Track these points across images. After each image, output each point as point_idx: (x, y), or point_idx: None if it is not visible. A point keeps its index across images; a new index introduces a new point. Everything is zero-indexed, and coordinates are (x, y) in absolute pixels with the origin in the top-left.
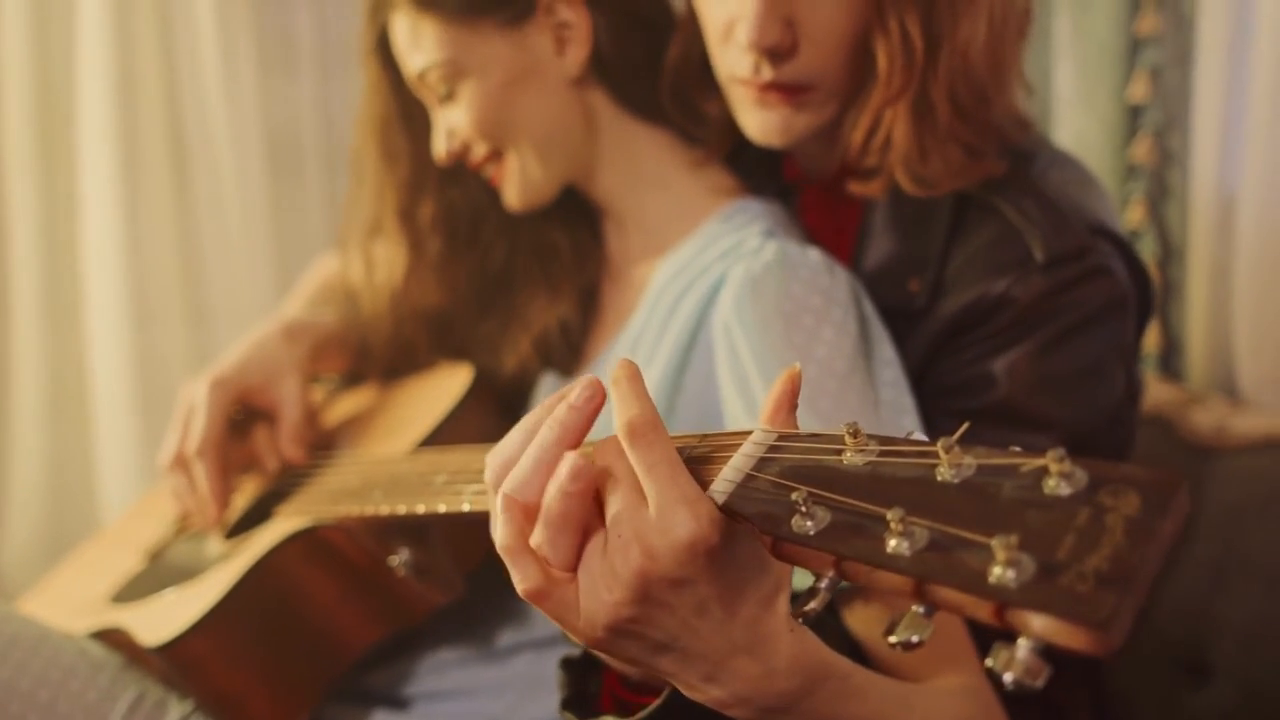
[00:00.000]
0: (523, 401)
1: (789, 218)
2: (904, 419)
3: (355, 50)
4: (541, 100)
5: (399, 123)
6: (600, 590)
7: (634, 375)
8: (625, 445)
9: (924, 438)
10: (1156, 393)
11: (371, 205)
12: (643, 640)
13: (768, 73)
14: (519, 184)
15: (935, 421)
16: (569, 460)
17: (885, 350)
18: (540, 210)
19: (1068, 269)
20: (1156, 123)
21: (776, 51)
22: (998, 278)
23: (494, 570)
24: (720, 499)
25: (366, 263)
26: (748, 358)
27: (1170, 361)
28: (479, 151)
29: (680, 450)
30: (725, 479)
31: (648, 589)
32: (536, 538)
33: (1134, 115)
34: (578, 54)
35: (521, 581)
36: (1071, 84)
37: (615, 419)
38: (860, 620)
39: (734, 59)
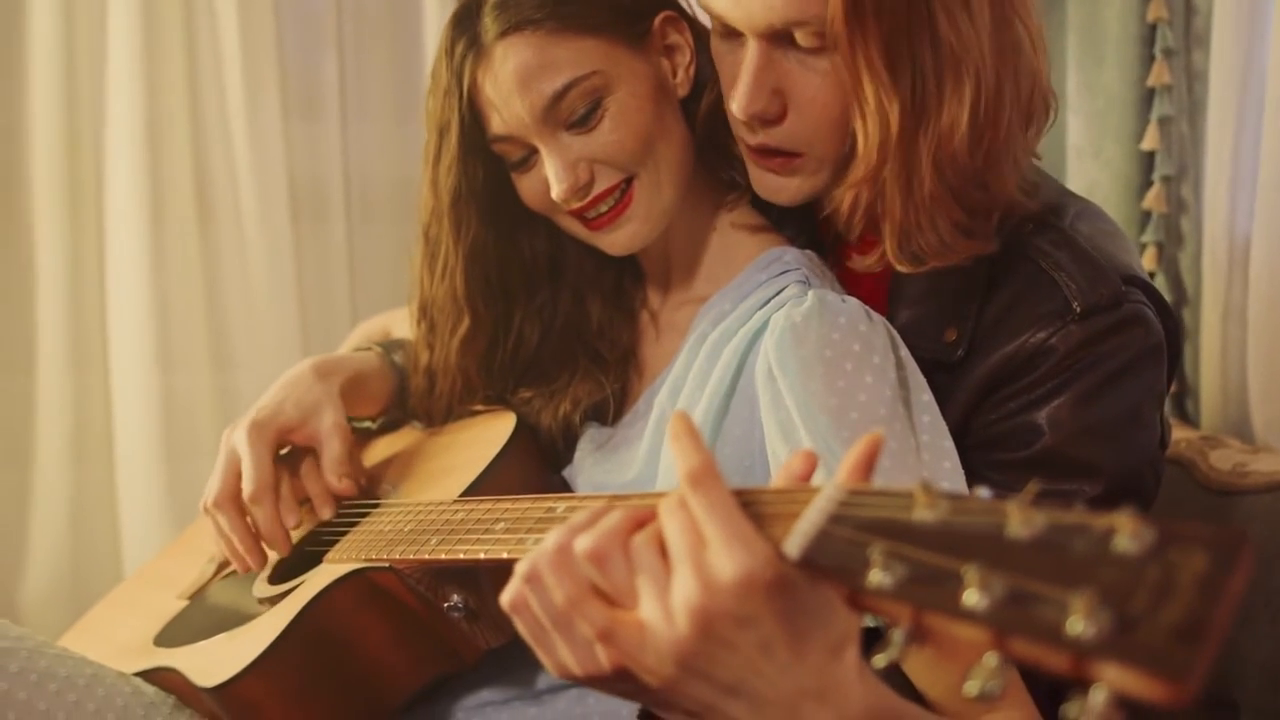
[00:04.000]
0: (566, 449)
1: (823, 266)
2: (944, 462)
3: (379, 97)
4: (672, 121)
5: (470, 193)
6: (664, 627)
7: (690, 429)
8: (686, 491)
9: (986, 493)
10: (1174, 435)
11: (442, 277)
12: (711, 681)
13: (758, 136)
14: (645, 213)
15: (980, 473)
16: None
17: (923, 395)
18: (585, 288)
19: (1104, 318)
20: (1168, 171)
21: (764, 118)
22: (1036, 329)
23: None
24: (796, 551)
25: (442, 313)
26: (791, 404)
27: (1184, 404)
28: (606, 181)
29: (750, 502)
30: (801, 531)
31: (710, 625)
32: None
33: (1146, 164)
34: (688, 72)
35: (590, 624)
36: (1084, 134)
37: (677, 469)
38: (916, 667)
39: (734, 119)
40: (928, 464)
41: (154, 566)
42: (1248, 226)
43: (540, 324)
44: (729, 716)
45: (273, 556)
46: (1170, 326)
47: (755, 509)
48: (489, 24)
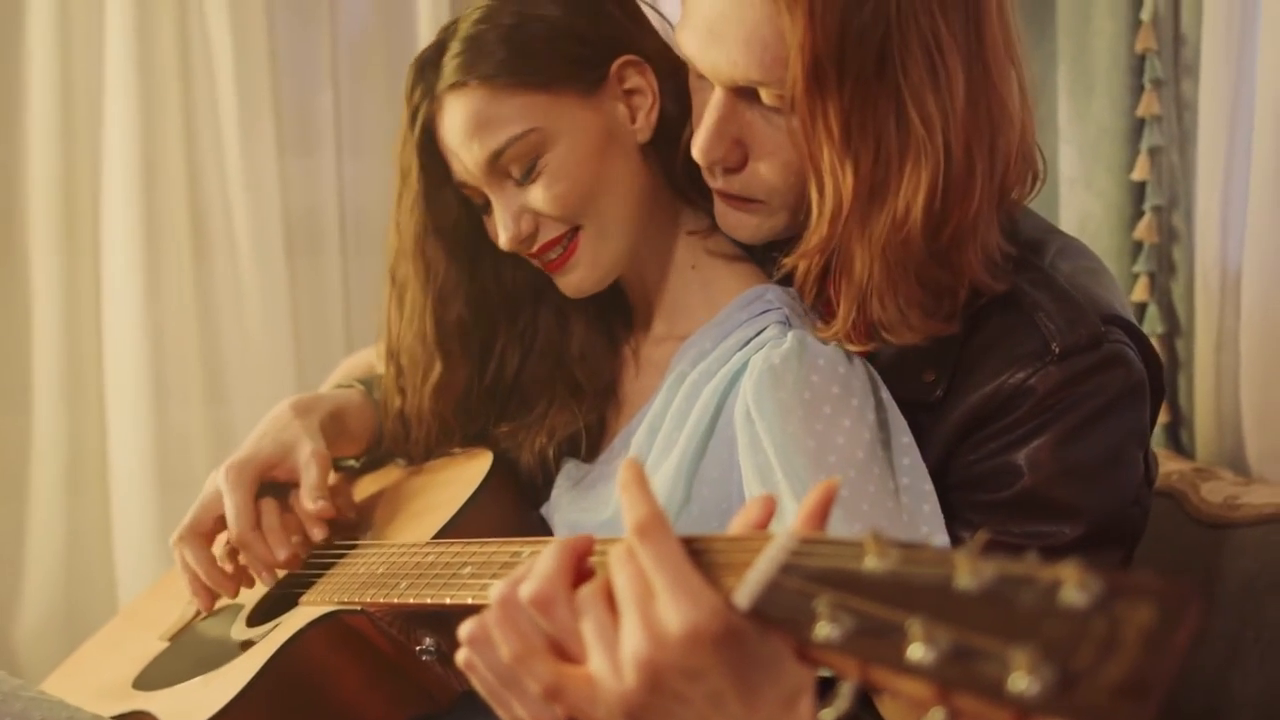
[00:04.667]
0: (538, 487)
1: (805, 305)
2: (923, 505)
3: (374, 131)
4: (623, 169)
5: (436, 232)
6: (613, 681)
7: (639, 478)
8: (634, 542)
9: (944, 538)
10: (1167, 466)
11: (411, 317)
12: None
13: (717, 181)
14: (593, 260)
15: (960, 514)
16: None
17: (903, 438)
18: (569, 309)
19: (1084, 359)
20: (1159, 201)
21: (724, 165)
22: (1015, 369)
23: None
24: (746, 602)
25: (411, 359)
26: (769, 447)
27: (1178, 436)
28: (551, 231)
29: (702, 550)
30: (751, 581)
31: (658, 678)
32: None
33: (1138, 194)
34: (649, 118)
35: (536, 680)
36: (1076, 165)
37: (625, 519)
38: (890, 709)
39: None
40: (906, 507)
41: (139, 606)
42: (1239, 255)
43: (521, 347)
44: None
45: (252, 597)
46: (1153, 365)
47: (708, 557)
48: (445, 73)
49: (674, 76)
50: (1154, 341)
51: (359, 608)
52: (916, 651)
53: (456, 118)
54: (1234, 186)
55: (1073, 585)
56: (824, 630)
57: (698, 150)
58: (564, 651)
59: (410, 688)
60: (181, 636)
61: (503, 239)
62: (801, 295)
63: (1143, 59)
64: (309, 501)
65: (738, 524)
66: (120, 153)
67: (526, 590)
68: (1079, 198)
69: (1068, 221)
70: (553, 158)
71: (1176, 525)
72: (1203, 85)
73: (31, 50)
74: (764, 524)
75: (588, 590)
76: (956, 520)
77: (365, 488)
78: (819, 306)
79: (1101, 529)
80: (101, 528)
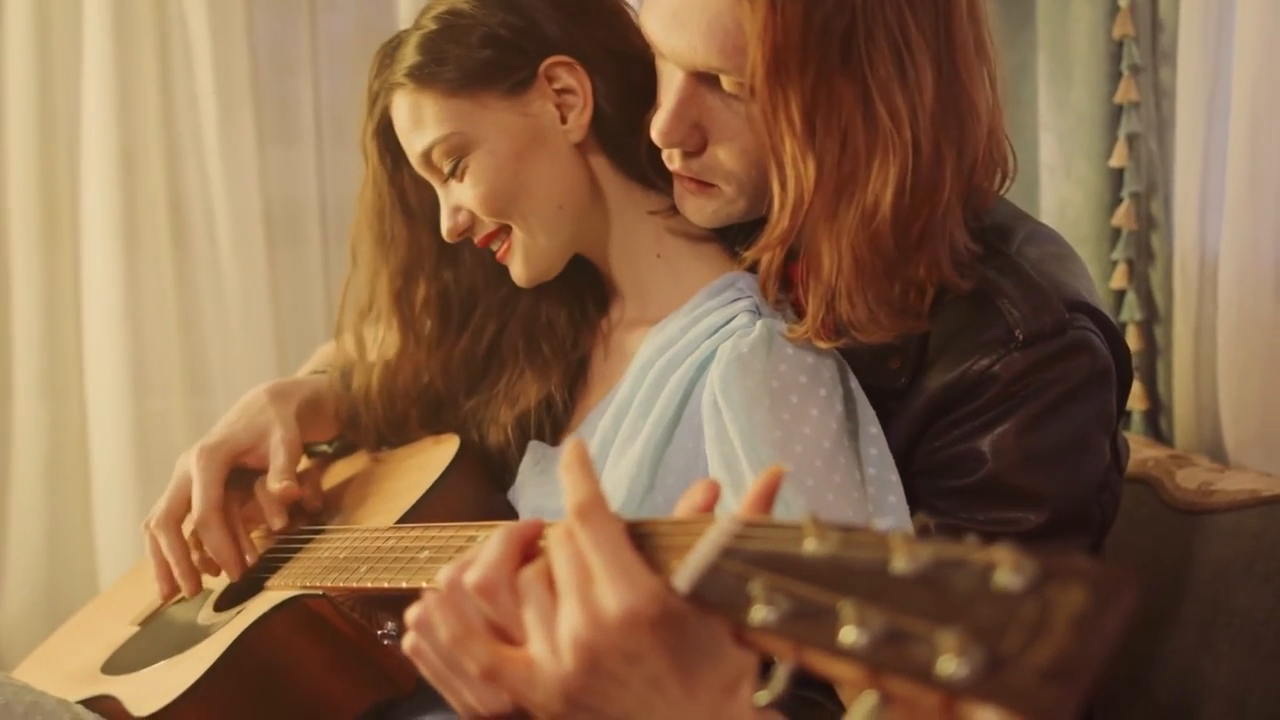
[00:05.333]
0: (510, 471)
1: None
2: (889, 496)
3: (354, 121)
4: (548, 169)
5: (395, 209)
6: (551, 663)
7: (583, 459)
8: (574, 523)
9: (894, 523)
10: (1143, 452)
11: (366, 290)
12: (600, 716)
13: (675, 164)
14: (526, 257)
15: (924, 500)
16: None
17: (870, 428)
18: (541, 285)
19: (1048, 346)
20: (1137, 188)
21: (683, 148)
22: (979, 356)
23: None
24: (685, 585)
25: (360, 344)
26: (735, 436)
27: (1156, 423)
28: (485, 229)
29: (647, 533)
30: (691, 565)
31: (596, 661)
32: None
33: (1117, 181)
34: (580, 120)
35: (474, 662)
36: (1055, 152)
37: (566, 500)
38: (851, 697)
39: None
40: (873, 497)
41: (114, 592)
42: (1217, 242)
43: (500, 318)
44: None
45: (220, 583)
46: (1120, 352)
47: (652, 540)
48: (395, 68)
49: (615, 73)
50: (1132, 329)
51: (320, 592)
52: (849, 635)
53: (399, 113)
54: (1212, 173)
55: (1007, 568)
56: (760, 613)
57: (657, 132)
58: (508, 636)
59: (373, 671)
60: (151, 621)
61: (443, 230)
62: (764, 292)
63: (1120, 45)
64: (273, 482)
65: (682, 508)
66: (99, 143)
67: (471, 576)
68: (1059, 186)
69: (1047, 209)
70: (474, 160)
71: (1151, 512)
72: (1180, 72)
73: (9, 40)
74: (708, 507)
75: (529, 573)
76: (921, 506)
77: (338, 473)
78: (787, 302)
79: (1066, 516)
80: (82, 516)
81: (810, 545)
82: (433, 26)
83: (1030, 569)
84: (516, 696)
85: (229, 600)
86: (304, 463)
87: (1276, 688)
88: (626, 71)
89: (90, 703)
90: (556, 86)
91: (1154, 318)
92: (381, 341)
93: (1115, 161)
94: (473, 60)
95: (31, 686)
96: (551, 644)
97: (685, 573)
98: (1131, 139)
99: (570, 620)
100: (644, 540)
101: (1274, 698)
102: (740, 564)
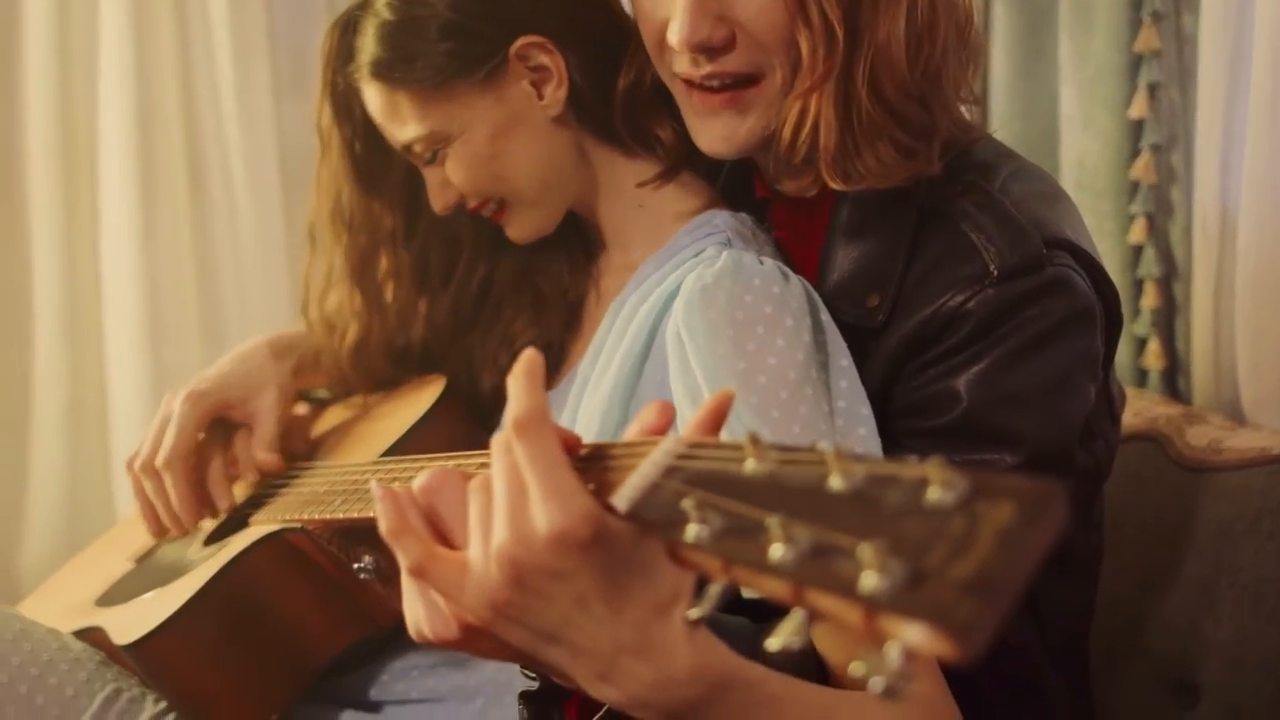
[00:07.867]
0: (500, 411)
1: (755, 229)
2: (859, 429)
3: None
4: (529, 146)
5: (355, 189)
6: (481, 571)
7: (532, 371)
8: (512, 436)
9: (830, 447)
10: (1156, 410)
11: (325, 269)
12: (528, 628)
13: (704, 68)
14: (520, 224)
15: (901, 441)
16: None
17: (841, 360)
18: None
19: (1023, 282)
20: (1157, 140)
21: (711, 46)
22: (953, 293)
23: None
24: (624, 505)
25: (326, 325)
26: (697, 367)
27: (1174, 381)
28: (475, 201)
29: (598, 455)
30: (632, 485)
31: (521, 576)
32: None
33: (1136, 133)
34: (557, 95)
35: (406, 556)
36: (1074, 104)
37: (506, 412)
38: (826, 643)
39: (674, 59)
40: (841, 430)
41: (118, 531)
42: (1239, 196)
43: (488, 261)
44: (550, 662)
45: (210, 521)
46: (1107, 293)
47: (601, 462)
48: (357, 56)
49: (586, 45)
50: (1150, 285)
51: (299, 525)
52: (777, 551)
53: (371, 102)
54: (1234, 125)
55: (938, 484)
56: (693, 531)
57: (680, 39)
58: (451, 541)
59: (352, 609)
60: (147, 558)
61: (435, 207)
62: (793, 152)
63: None
64: (259, 450)
65: (634, 430)
66: (117, 95)
67: (420, 479)
68: (1077, 137)
69: (1066, 161)
70: (452, 150)
71: (1158, 468)
72: (1203, 19)
73: None
74: (662, 430)
75: (476, 481)
76: (897, 447)
77: (332, 417)
78: (768, 241)
79: (1044, 458)
80: (101, 461)
81: (750, 465)
82: (389, 16)
83: (961, 485)
84: (446, 597)
85: (217, 536)
86: (300, 407)
87: (1277, 646)
88: (597, 42)
89: (81, 634)
90: (529, 65)
91: (1173, 274)
92: (347, 322)
93: (1135, 112)
94: (439, 56)
95: (21, 615)
96: (484, 552)
97: (626, 492)
98: (1152, 88)
99: (499, 533)
100: (594, 462)
101: (1274, 656)
102: (679, 483)
